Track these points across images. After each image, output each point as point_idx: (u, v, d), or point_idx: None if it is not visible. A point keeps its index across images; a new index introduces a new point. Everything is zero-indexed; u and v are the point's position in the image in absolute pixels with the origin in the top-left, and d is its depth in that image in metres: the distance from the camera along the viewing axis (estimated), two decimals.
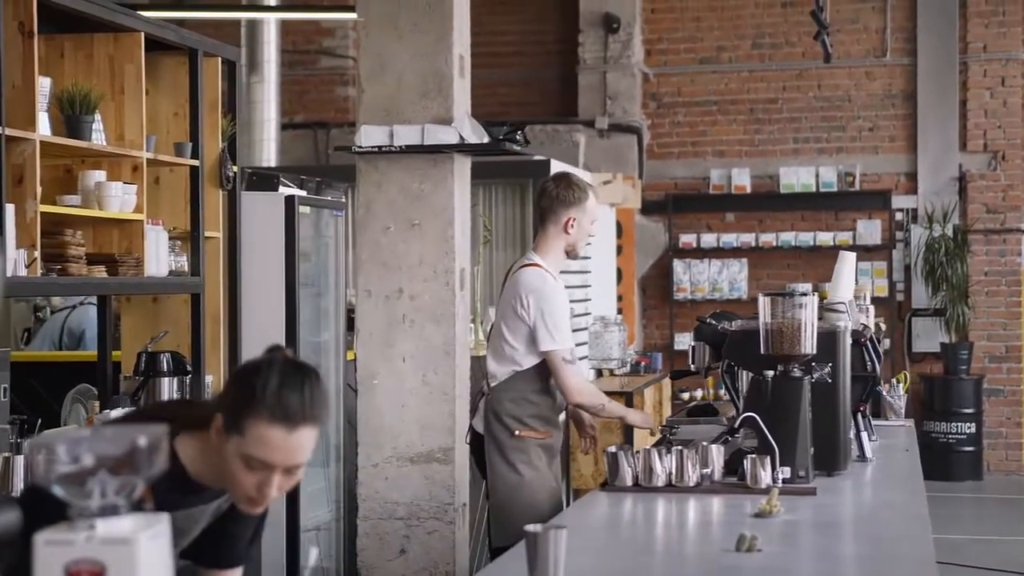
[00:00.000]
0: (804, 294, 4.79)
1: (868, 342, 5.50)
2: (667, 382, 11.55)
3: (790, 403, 4.68)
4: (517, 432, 5.36)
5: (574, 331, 7.86)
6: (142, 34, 5.49)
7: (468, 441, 5.65)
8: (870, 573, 3.60)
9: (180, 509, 2.82)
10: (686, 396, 12.52)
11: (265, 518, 3.09)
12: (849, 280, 6.00)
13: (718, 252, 13.55)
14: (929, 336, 13.22)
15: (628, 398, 9.68)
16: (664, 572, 3.58)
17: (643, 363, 11.40)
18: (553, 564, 2.94)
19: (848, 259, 6.07)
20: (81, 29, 5.46)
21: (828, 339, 4.92)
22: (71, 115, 5.10)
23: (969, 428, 12.86)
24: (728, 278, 13.51)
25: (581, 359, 9.80)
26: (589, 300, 10.72)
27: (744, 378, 5.14)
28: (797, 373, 4.73)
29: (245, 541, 3.07)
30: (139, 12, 5.69)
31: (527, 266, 5.45)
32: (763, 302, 4.76)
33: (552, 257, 5.46)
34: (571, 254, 5.52)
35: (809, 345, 4.72)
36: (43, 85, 4.94)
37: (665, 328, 13.66)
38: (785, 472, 4.58)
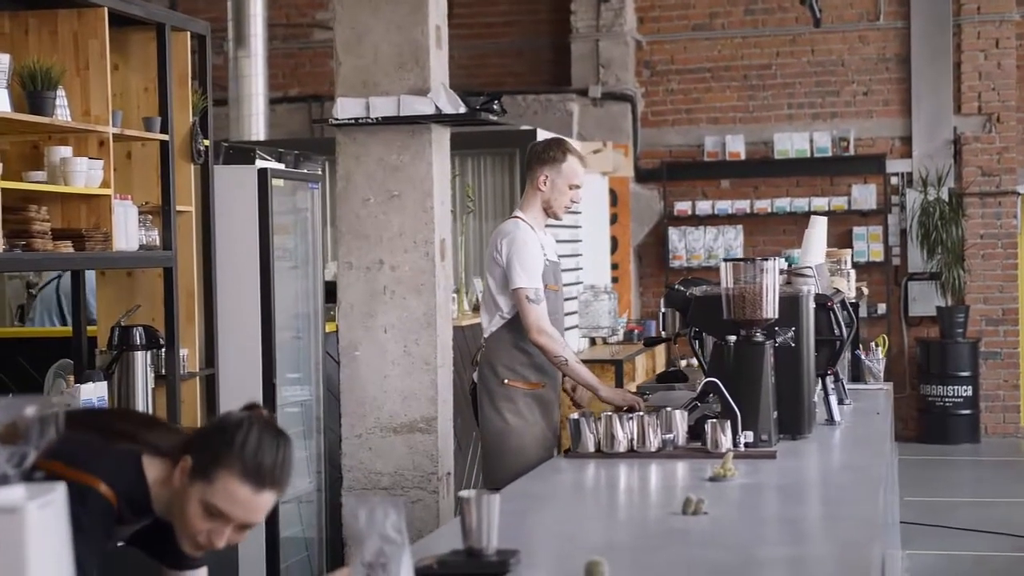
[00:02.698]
0: (765, 259, 4.79)
1: (836, 306, 5.50)
2: (661, 349, 11.55)
3: (752, 368, 4.70)
4: (506, 381, 5.45)
5: (566, 299, 7.95)
6: (105, 9, 5.49)
7: (470, 392, 5.72)
8: (809, 534, 3.61)
9: (125, 524, 2.86)
10: (683, 363, 12.48)
11: None
12: (820, 245, 6.02)
13: (713, 219, 13.54)
14: (925, 300, 13.21)
15: (619, 366, 9.69)
16: (608, 535, 3.59)
17: (636, 331, 11.39)
18: (486, 528, 2.98)
19: (819, 224, 6.08)
20: (45, 5, 5.47)
21: (791, 304, 4.93)
22: (33, 91, 5.10)
23: (966, 391, 12.86)
24: (724, 245, 13.50)
25: (571, 328, 9.82)
26: (580, 269, 10.70)
27: (709, 343, 5.15)
28: (759, 338, 4.75)
29: None
30: None
31: (508, 219, 5.62)
32: (724, 267, 4.78)
33: (532, 213, 5.56)
34: (549, 212, 5.58)
35: (771, 310, 4.74)
36: (1, 61, 4.95)
37: (661, 296, 13.60)
38: (748, 436, 4.60)
